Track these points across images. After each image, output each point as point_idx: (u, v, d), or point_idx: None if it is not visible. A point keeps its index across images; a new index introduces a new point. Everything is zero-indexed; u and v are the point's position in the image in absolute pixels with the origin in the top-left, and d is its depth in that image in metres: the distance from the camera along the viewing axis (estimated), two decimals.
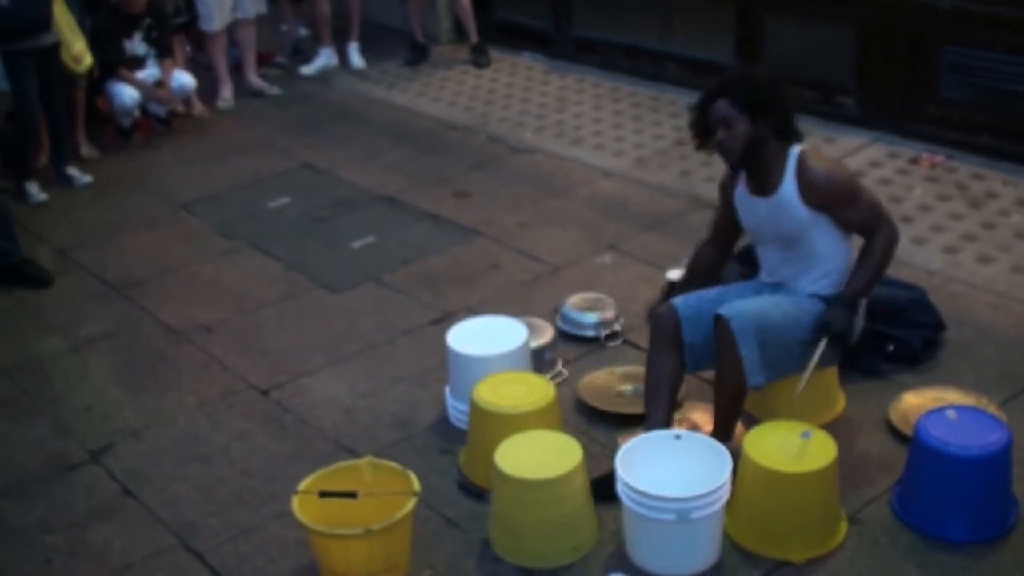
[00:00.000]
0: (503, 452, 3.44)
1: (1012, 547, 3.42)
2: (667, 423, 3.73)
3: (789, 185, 3.63)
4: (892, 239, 3.67)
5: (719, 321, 3.59)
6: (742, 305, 3.62)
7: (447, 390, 4.18)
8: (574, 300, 4.73)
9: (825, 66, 6.52)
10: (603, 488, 3.53)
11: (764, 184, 3.68)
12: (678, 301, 3.80)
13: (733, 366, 3.57)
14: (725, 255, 4.07)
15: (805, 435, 3.43)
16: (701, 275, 4.00)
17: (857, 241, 3.74)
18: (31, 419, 4.42)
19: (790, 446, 3.40)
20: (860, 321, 3.80)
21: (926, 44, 5.99)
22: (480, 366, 3.93)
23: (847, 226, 3.69)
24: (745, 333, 3.54)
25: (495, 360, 3.95)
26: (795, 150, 3.65)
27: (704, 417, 3.94)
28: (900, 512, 3.54)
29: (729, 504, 3.36)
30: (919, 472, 3.50)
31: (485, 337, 4.08)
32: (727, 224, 3.94)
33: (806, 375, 3.63)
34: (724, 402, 3.68)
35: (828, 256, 3.71)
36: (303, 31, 8.76)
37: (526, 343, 4.07)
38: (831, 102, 6.52)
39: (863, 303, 3.79)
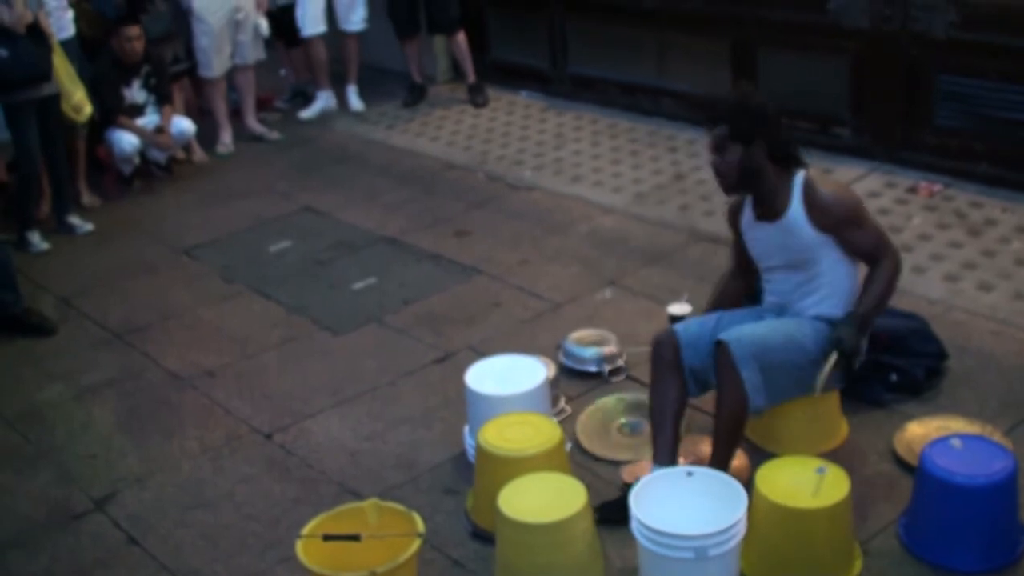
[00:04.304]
0: (507, 495, 3.41)
1: None
2: (674, 453, 3.73)
3: (796, 208, 3.67)
4: (896, 268, 3.73)
5: (719, 346, 3.60)
6: (742, 330, 3.64)
7: (466, 429, 4.14)
8: (576, 336, 4.73)
9: (821, 97, 6.55)
10: (609, 512, 3.52)
11: (770, 209, 3.73)
12: (678, 327, 3.84)
13: (734, 391, 3.57)
14: (750, 282, 4.06)
15: (820, 471, 3.41)
16: (728, 306, 4.01)
17: (863, 267, 3.76)
18: (35, 468, 4.41)
19: (804, 482, 3.38)
20: (864, 346, 3.80)
21: (921, 73, 6.02)
22: (498, 405, 3.91)
23: (853, 251, 3.73)
24: (745, 357, 3.55)
25: (513, 399, 3.93)
26: (800, 175, 3.70)
27: (707, 450, 3.93)
28: (908, 543, 3.52)
29: (742, 540, 3.34)
30: (926, 502, 3.48)
31: (504, 376, 4.05)
32: (746, 252, 3.97)
33: (823, 376, 3.63)
34: (724, 429, 3.66)
35: (836, 278, 3.75)
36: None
37: (545, 382, 4.05)
38: (827, 133, 6.54)
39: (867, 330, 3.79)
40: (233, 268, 6.03)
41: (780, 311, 3.84)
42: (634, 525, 3.27)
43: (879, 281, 3.70)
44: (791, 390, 3.68)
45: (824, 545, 3.37)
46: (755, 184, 3.70)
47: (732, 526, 3.20)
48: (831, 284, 3.75)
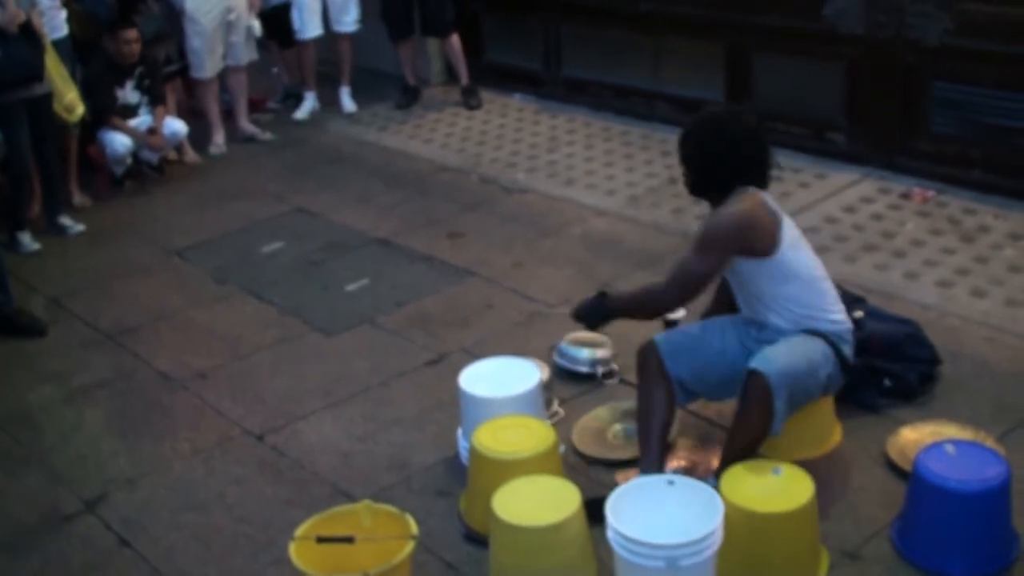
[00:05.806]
0: (501, 497, 3.40)
1: None
2: (660, 460, 3.71)
3: None
4: (661, 300, 3.74)
5: (754, 375, 3.49)
6: (772, 358, 3.52)
7: (459, 432, 4.13)
8: (571, 337, 4.71)
9: (815, 103, 6.56)
10: (596, 508, 3.52)
11: None
12: (659, 337, 3.79)
13: (763, 418, 3.50)
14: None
15: (776, 471, 3.41)
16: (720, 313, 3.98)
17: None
18: (25, 470, 4.39)
19: (767, 485, 3.38)
20: (849, 351, 3.77)
21: (916, 80, 6.03)
22: (492, 408, 3.89)
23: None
24: (780, 387, 3.48)
25: (507, 402, 3.91)
26: (739, 192, 3.64)
27: (700, 456, 3.92)
28: (901, 548, 3.52)
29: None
30: (919, 507, 3.48)
31: (497, 378, 4.04)
32: None
33: None
34: (741, 449, 3.58)
35: (775, 296, 3.64)
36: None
37: (538, 385, 4.03)
38: (822, 138, 6.56)
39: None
40: (225, 269, 6.01)
41: (760, 327, 3.74)
42: (609, 532, 3.25)
43: (643, 292, 3.82)
44: (803, 404, 3.64)
45: (788, 548, 3.35)
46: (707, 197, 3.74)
47: (706, 537, 3.15)
48: (777, 304, 3.64)
